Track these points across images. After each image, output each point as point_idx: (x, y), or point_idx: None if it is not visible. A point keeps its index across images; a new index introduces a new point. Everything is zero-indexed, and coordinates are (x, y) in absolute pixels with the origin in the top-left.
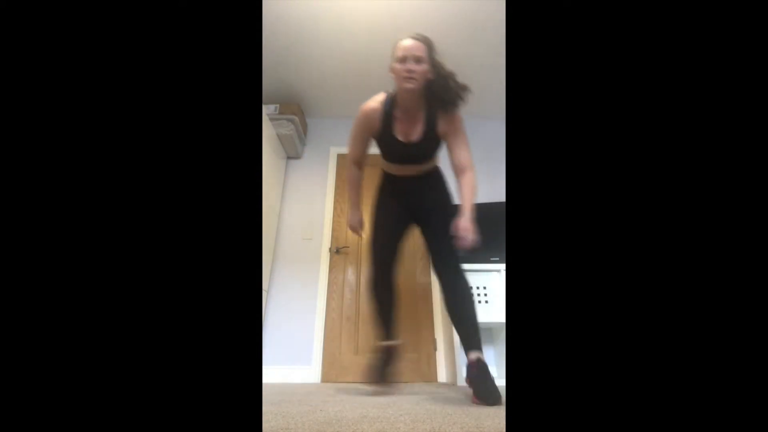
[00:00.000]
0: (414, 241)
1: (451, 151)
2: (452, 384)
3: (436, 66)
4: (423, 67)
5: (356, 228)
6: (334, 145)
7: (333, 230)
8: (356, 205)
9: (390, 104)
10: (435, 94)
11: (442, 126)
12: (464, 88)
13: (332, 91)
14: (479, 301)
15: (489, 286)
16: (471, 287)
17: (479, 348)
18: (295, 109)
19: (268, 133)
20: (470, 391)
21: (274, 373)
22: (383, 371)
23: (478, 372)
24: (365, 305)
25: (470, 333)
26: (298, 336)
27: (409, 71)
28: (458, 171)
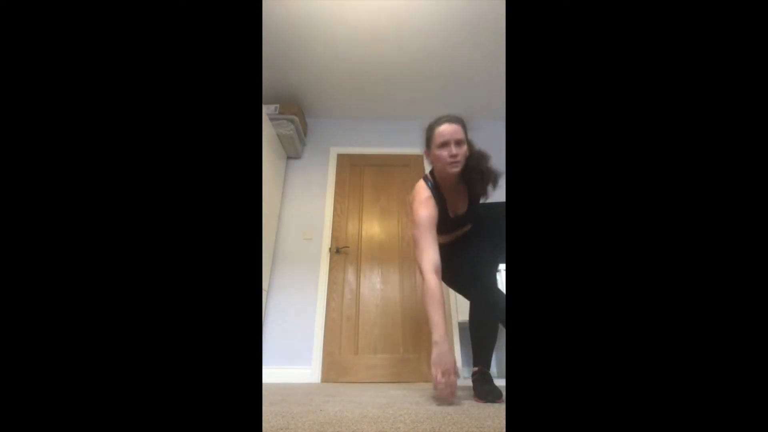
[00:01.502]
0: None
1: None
2: None
3: (471, 145)
4: (464, 149)
5: (450, 392)
6: (334, 145)
7: (333, 230)
8: (444, 332)
9: (435, 187)
10: (474, 168)
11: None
12: (496, 173)
13: (332, 91)
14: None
15: None
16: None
17: (487, 365)
18: (295, 109)
19: (268, 133)
20: (470, 391)
21: (274, 373)
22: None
23: (481, 379)
24: (365, 306)
25: (485, 351)
26: (298, 336)
27: (453, 156)
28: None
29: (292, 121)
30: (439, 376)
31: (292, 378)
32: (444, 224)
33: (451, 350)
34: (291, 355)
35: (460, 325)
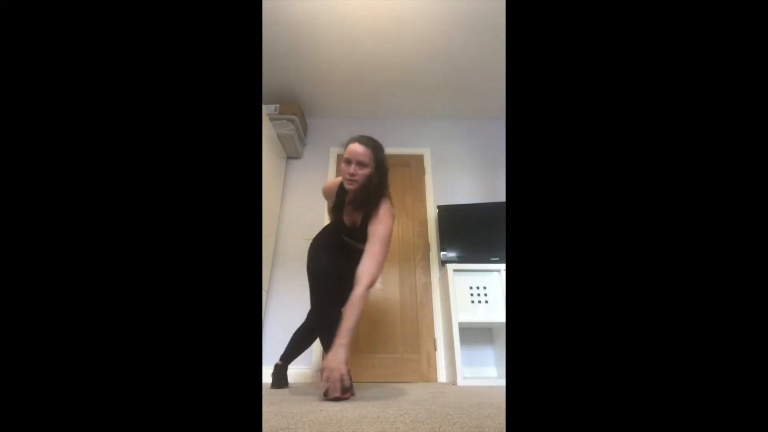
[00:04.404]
0: (414, 242)
1: (364, 253)
2: (452, 384)
3: (379, 168)
4: (365, 171)
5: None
6: (334, 145)
7: None
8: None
9: (343, 191)
10: (364, 194)
11: (371, 226)
12: (386, 189)
13: (332, 91)
14: (479, 301)
15: (489, 286)
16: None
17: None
18: (295, 109)
19: (268, 133)
20: (471, 391)
21: None
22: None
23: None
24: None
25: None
26: None
27: (351, 174)
28: (355, 279)
29: (292, 121)
30: (328, 376)
31: (292, 378)
32: (341, 225)
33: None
34: None
35: (461, 325)
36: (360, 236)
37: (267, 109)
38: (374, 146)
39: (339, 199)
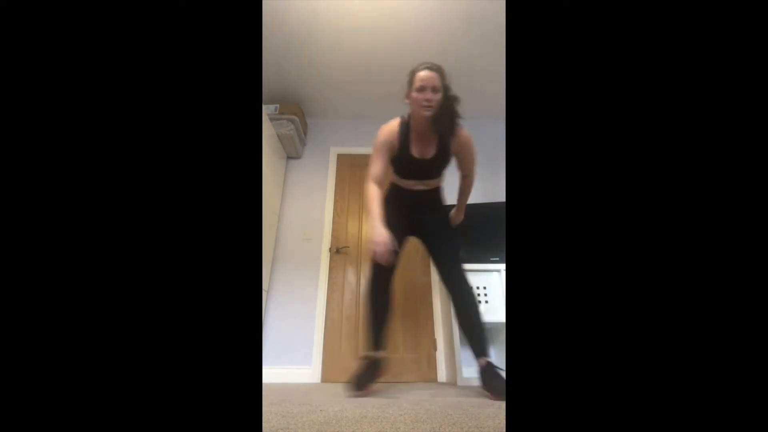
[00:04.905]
0: (413, 241)
1: (459, 163)
2: (452, 384)
3: (446, 91)
4: (439, 96)
5: (386, 253)
6: (334, 145)
7: (333, 230)
8: (381, 221)
9: (406, 127)
10: (443, 117)
11: (455, 146)
12: (458, 113)
13: (332, 91)
14: (479, 301)
15: (489, 286)
16: (476, 295)
17: (486, 354)
18: (295, 109)
19: (268, 133)
20: (471, 391)
21: (274, 373)
22: (364, 381)
23: (488, 373)
24: (364, 307)
25: (478, 340)
26: (298, 336)
27: (428, 100)
28: (461, 175)
29: (292, 121)
30: (374, 246)
31: (292, 378)
32: (408, 165)
33: (380, 227)
34: (291, 355)
35: None
36: (431, 167)
37: (267, 109)
38: (441, 71)
39: (403, 138)
